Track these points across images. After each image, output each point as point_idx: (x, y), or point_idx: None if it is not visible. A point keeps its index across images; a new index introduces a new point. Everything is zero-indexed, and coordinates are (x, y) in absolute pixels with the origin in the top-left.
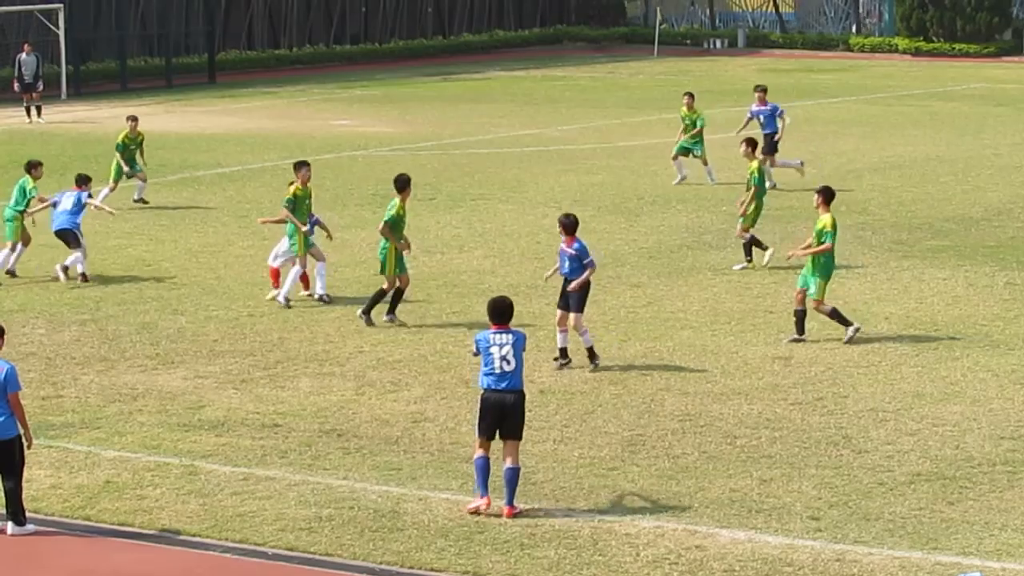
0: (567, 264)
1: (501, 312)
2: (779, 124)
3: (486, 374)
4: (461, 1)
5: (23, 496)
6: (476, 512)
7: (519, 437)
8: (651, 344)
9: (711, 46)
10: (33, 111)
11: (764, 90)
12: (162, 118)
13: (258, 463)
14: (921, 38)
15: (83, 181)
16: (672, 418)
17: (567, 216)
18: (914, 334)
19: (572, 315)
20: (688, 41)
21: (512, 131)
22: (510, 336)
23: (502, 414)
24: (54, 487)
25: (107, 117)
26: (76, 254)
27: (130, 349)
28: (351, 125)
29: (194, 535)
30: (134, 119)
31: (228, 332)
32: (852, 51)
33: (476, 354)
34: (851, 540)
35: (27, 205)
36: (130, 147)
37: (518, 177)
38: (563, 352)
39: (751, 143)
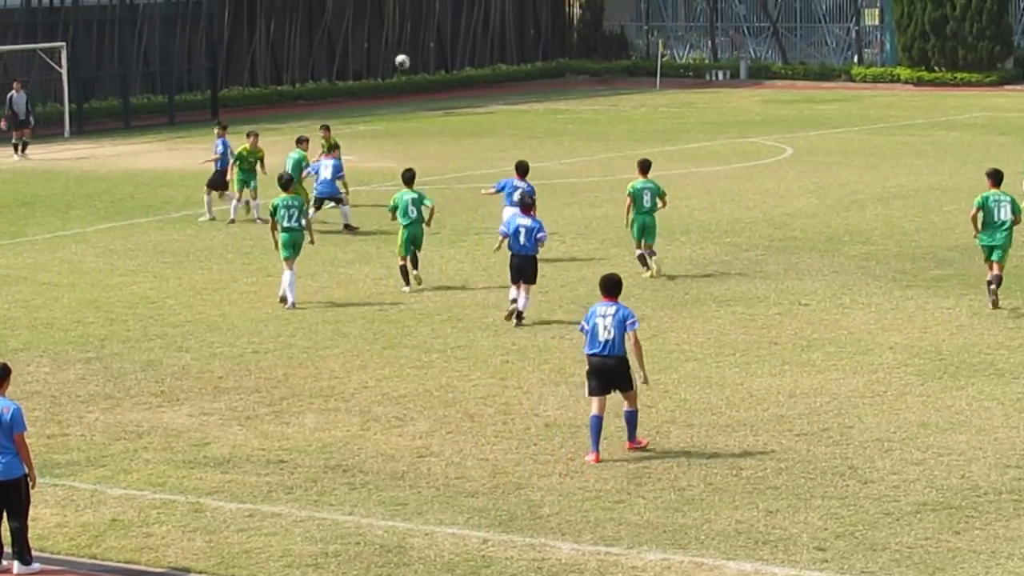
0: (522, 237)
1: (611, 286)
2: None
3: (589, 341)
4: (463, 36)
5: (29, 535)
6: (591, 463)
7: (630, 388)
8: (656, 376)
9: (713, 78)
10: (19, 148)
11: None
12: (165, 155)
13: (264, 499)
14: (923, 68)
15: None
16: (678, 450)
17: (530, 196)
18: (919, 363)
19: (524, 285)
20: (690, 73)
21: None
22: (613, 308)
23: (607, 375)
24: (60, 526)
25: (110, 155)
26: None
27: (135, 387)
28: (354, 161)
29: (201, 572)
30: (255, 135)
31: (233, 369)
32: (854, 81)
33: (583, 331)
34: (858, 571)
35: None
36: (249, 160)
37: None
38: (515, 306)
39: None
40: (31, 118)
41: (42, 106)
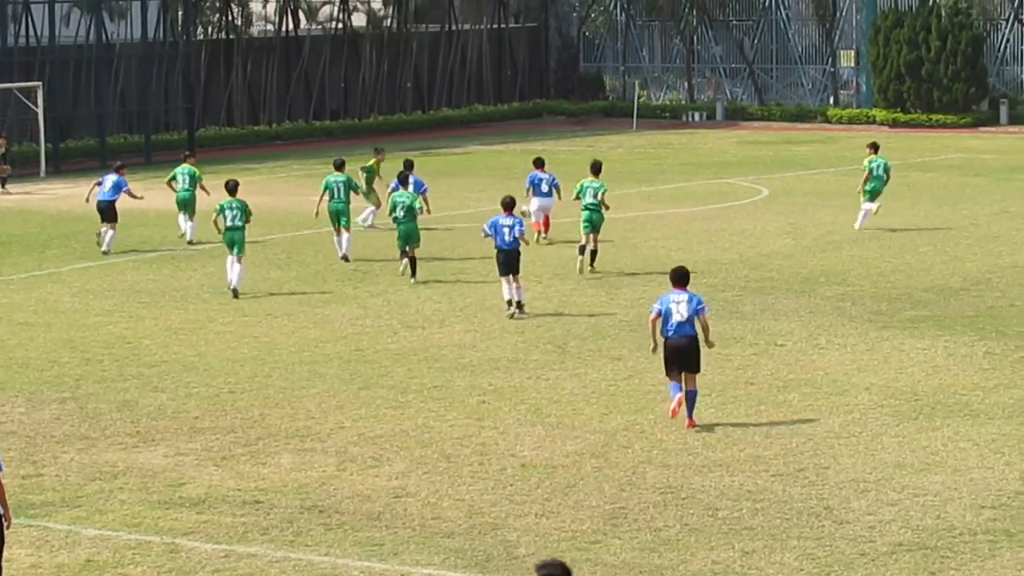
0: (507, 235)
1: (682, 276)
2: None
3: (666, 325)
4: (440, 76)
5: None
6: (675, 410)
7: (696, 370)
8: (632, 417)
9: (690, 119)
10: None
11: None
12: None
13: (239, 540)
14: (899, 109)
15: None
16: (654, 491)
17: (507, 197)
18: (894, 404)
19: (514, 277)
20: (667, 114)
21: (492, 205)
22: (686, 295)
23: (679, 354)
24: (34, 567)
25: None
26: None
27: (110, 427)
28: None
29: None
30: (382, 151)
31: (209, 409)
32: (830, 123)
33: (657, 313)
34: None
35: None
36: (375, 173)
37: None
38: (511, 303)
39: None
40: (4, 161)
41: (18, 146)
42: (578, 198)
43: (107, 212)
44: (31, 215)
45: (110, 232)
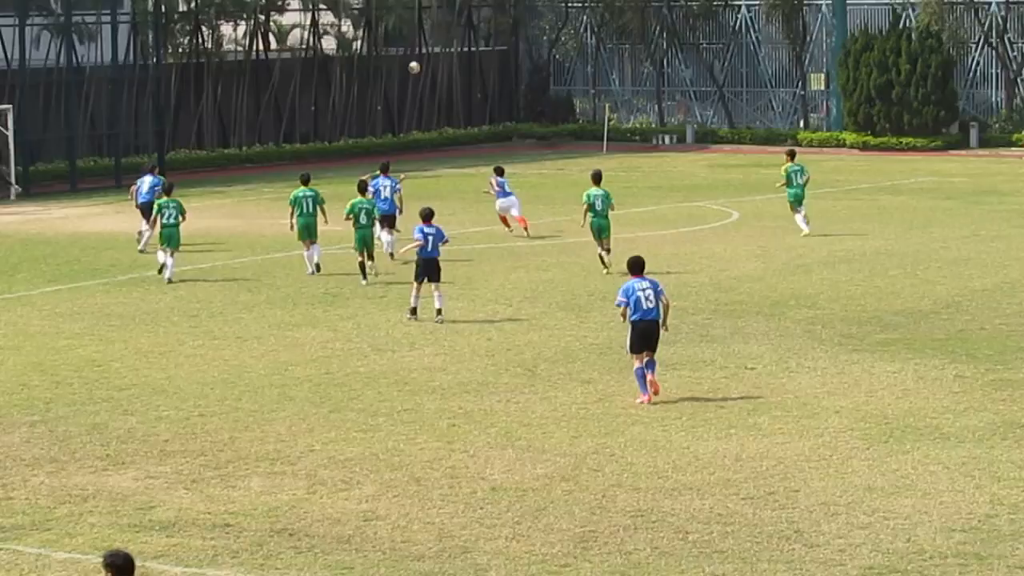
0: (430, 244)
1: (640, 265)
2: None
3: (635, 311)
4: (410, 99)
5: None
6: (650, 397)
7: (655, 350)
8: (602, 440)
9: (660, 142)
10: None
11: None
12: (112, 218)
13: (209, 563)
14: (869, 132)
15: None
16: (624, 514)
17: (426, 208)
18: (865, 427)
19: (437, 286)
20: (637, 137)
21: (462, 228)
22: (647, 282)
23: (648, 336)
24: None
25: (56, 218)
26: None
27: (80, 450)
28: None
29: None
30: (406, 176)
31: (178, 432)
32: (800, 146)
33: (626, 304)
34: None
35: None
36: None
37: (468, 274)
38: (414, 311)
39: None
40: None
41: None
42: (590, 209)
43: (148, 212)
44: (1, 238)
45: (148, 232)
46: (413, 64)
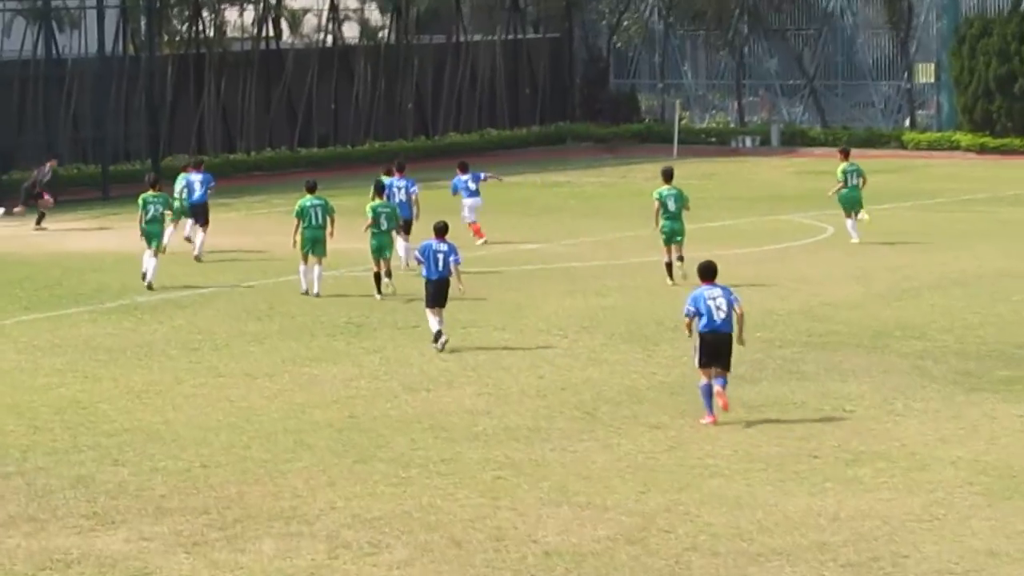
0: (440, 263)
1: (711, 271)
2: None
3: (706, 322)
4: (447, 97)
5: None
6: (715, 418)
7: (728, 368)
8: (675, 496)
9: (740, 144)
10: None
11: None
12: (98, 235)
13: None
14: (987, 133)
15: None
16: None
17: (440, 222)
18: (985, 481)
19: (440, 311)
20: (713, 139)
21: (508, 247)
22: (719, 290)
23: (718, 351)
24: None
25: (34, 235)
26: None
27: (63, 507)
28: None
29: None
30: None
31: (178, 486)
32: (906, 149)
33: (695, 314)
34: None
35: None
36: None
37: (516, 300)
38: (438, 336)
39: None
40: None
41: None
42: (661, 208)
43: (200, 214)
44: None
45: (201, 235)
46: None
